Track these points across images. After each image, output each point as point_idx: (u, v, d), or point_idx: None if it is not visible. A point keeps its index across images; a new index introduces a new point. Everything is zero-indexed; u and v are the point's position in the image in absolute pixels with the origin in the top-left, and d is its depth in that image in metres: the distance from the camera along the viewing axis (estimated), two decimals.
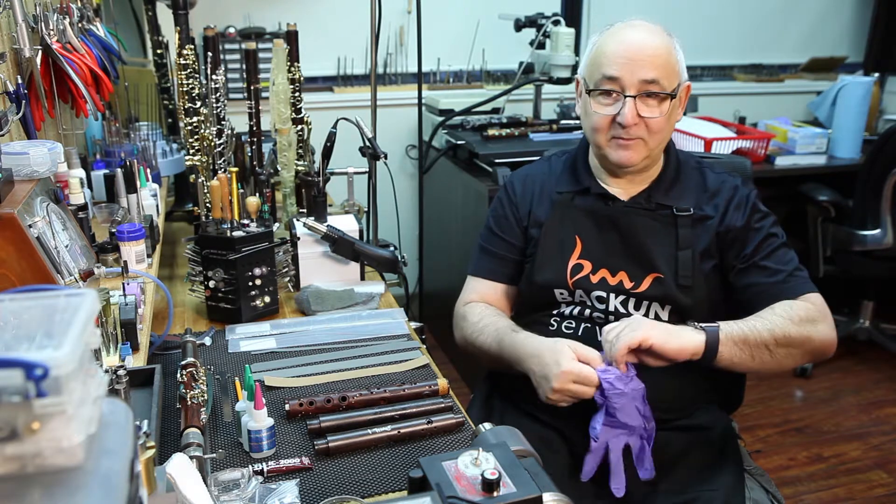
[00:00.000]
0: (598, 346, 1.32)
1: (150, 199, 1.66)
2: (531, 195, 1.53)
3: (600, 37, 1.38)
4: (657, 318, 1.41)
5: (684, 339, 1.26)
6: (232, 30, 2.98)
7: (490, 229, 1.57)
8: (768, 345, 1.29)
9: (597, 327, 1.43)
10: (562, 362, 1.26)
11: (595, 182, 1.46)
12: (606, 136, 1.38)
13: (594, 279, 1.42)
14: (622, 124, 1.33)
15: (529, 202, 1.52)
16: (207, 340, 1.46)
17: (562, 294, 1.46)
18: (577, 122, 3.00)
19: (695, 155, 1.57)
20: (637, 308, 1.41)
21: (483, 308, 1.52)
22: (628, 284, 1.41)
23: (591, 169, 1.49)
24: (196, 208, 1.78)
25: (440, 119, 2.92)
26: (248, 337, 1.49)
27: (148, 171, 1.76)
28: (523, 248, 1.53)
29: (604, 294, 1.42)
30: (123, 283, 1.27)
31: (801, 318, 1.31)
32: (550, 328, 1.46)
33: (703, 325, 1.29)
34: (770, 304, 1.35)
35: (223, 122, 1.77)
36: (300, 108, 1.95)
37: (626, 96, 1.32)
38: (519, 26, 2.94)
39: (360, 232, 1.70)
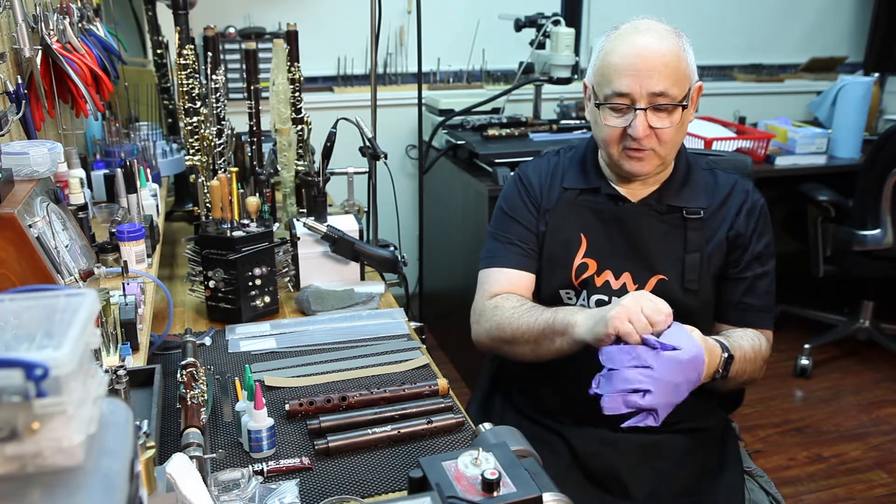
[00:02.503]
0: (594, 353, 1.22)
1: (150, 199, 1.66)
2: (542, 186, 1.49)
3: (607, 41, 1.34)
4: None
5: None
6: (232, 30, 2.98)
7: (506, 217, 1.49)
8: (737, 376, 1.32)
9: None
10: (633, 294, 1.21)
11: (605, 182, 1.44)
12: (618, 147, 1.35)
13: (598, 281, 1.41)
14: (633, 137, 1.31)
15: (540, 193, 1.48)
16: (207, 340, 1.46)
17: (567, 294, 1.44)
18: (577, 122, 3.00)
19: (702, 154, 1.56)
20: None
21: (520, 298, 1.42)
22: (632, 287, 1.39)
23: (600, 169, 1.46)
24: (196, 208, 1.78)
25: (440, 119, 2.92)
26: (248, 337, 1.49)
27: (148, 171, 1.76)
28: (538, 239, 1.47)
29: (605, 298, 1.40)
30: (123, 283, 1.27)
31: (763, 358, 1.38)
32: None
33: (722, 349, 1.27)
34: (740, 321, 1.42)
35: (223, 122, 1.77)
36: (300, 108, 1.95)
37: (636, 109, 1.30)
38: (519, 26, 2.94)
39: (360, 232, 1.70)
